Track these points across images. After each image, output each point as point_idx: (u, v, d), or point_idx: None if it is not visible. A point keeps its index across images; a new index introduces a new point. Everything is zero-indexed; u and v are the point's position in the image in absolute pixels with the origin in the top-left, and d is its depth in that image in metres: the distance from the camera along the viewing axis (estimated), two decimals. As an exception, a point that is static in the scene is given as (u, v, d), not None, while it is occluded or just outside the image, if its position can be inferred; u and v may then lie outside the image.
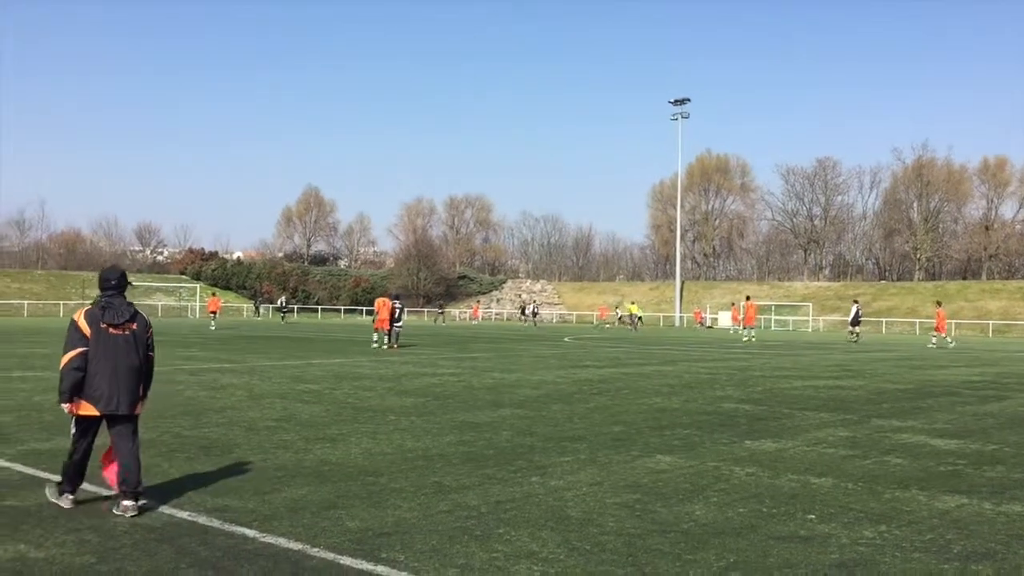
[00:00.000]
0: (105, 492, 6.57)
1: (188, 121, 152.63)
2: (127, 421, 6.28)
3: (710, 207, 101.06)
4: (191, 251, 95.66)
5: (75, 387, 6.09)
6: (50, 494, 6.40)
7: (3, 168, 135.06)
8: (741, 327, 42.12)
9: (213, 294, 56.05)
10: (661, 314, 70.21)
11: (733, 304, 46.41)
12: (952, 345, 39.10)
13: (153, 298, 78.56)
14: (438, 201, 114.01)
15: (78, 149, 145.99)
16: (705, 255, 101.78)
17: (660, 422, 11.23)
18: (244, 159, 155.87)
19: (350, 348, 27.89)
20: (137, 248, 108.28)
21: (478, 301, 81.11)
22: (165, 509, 6.21)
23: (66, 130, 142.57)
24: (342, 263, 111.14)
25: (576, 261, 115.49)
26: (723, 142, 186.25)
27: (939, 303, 43.02)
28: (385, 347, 27.65)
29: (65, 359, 6.10)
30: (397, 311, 28.43)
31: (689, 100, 78.57)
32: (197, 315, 71.35)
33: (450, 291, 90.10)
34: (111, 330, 6.21)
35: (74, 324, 6.20)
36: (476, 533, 5.70)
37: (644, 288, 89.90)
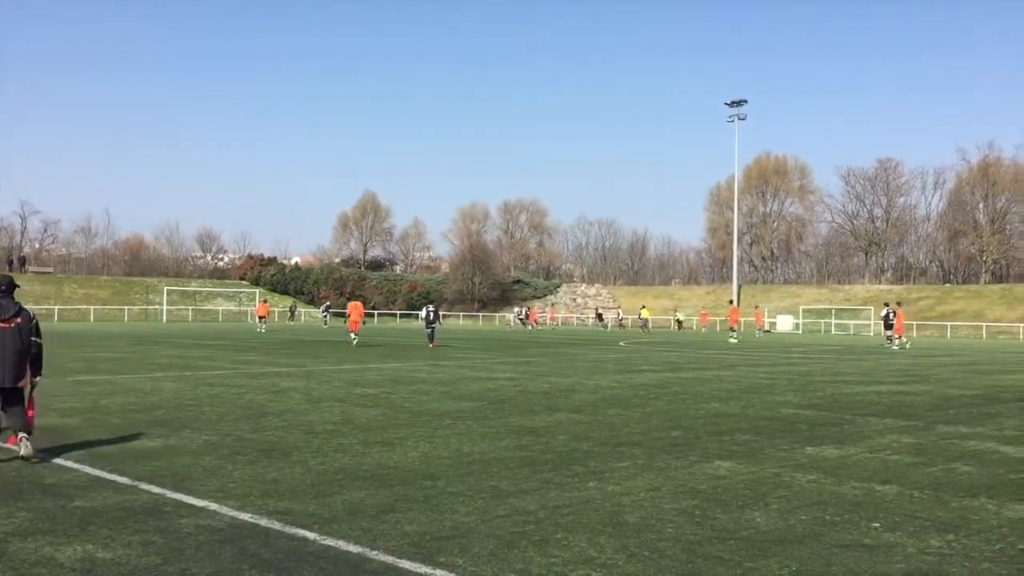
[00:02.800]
0: (120, 480, 6.70)
1: (248, 128, 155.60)
2: (12, 392, 8.08)
3: (768, 209, 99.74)
4: (250, 257, 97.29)
5: None
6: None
7: (71, 176, 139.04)
8: (731, 329, 44.02)
9: (264, 301, 59.60)
10: (718, 318, 69.49)
11: (731, 302, 47.44)
12: (906, 347, 38.65)
13: (214, 303, 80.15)
14: (492, 206, 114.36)
15: (142, 157, 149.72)
16: (763, 258, 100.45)
17: (719, 427, 11.10)
18: (302, 165, 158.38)
19: (406, 352, 28.11)
20: (198, 254, 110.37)
21: (530, 306, 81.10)
22: (228, 511, 6.31)
23: (130, 139, 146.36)
24: (398, 268, 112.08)
25: (631, 265, 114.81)
26: (781, 143, 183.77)
27: (899, 303, 44.32)
28: (431, 346, 29.50)
29: None
30: (432, 314, 33.34)
31: (746, 101, 77.74)
32: (256, 320, 72.51)
33: (504, 295, 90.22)
34: (1, 324, 7.98)
35: None
36: (534, 538, 5.69)
37: (700, 292, 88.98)
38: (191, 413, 11.83)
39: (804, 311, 72.82)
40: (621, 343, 39.07)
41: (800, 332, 67.79)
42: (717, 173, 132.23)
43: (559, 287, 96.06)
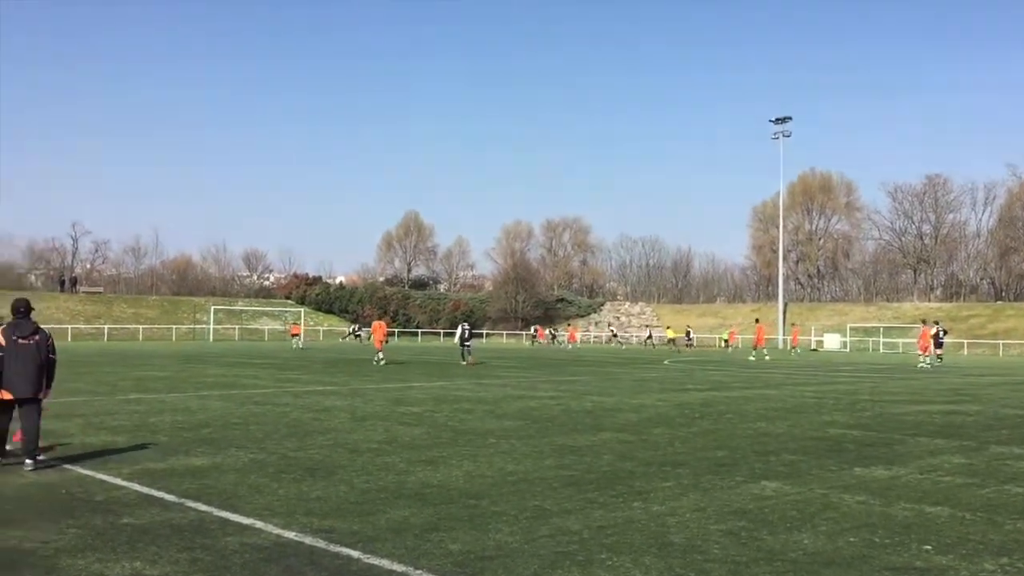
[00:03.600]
0: (168, 497, 6.78)
1: (293, 149, 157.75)
2: (32, 403, 8.90)
3: (814, 227, 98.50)
4: (296, 276, 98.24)
5: None
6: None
7: (121, 197, 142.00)
8: (753, 348, 44.57)
9: (296, 322, 62.19)
10: (748, 336, 68.61)
11: (758, 321, 47.62)
12: (930, 366, 36.07)
13: (259, 322, 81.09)
14: (536, 224, 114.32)
15: (189, 178, 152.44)
16: (809, 276, 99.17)
17: (765, 447, 10.96)
18: (346, 184, 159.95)
19: (449, 371, 28.18)
20: (244, 273, 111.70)
21: (569, 324, 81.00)
22: (273, 529, 6.37)
23: (178, 160, 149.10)
24: (441, 287, 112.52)
25: (675, 283, 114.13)
26: (826, 160, 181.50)
27: (923, 321, 44.04)
28: (463, 363, 32.17)
29: None
30: (467, 332, 34.14)
31: (791, 119, 77.05)
32: (302, 339, 73.28)
33: (548, 314, 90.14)
34: (20, 341, 8.87)
35: None
36: (578, 558, 5.65)
37: (745, 310, 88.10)
38: (237, 431, 11.96)
39: (851, 329, 71.72)
40: (665, 362, 38.79)
41: (847, 350, 66.72)
42: (761, 190, 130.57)
43: (603, 305, 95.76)
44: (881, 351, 65.90)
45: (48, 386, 9.23)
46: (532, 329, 78.45)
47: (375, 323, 35.35)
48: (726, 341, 68.84)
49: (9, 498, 7.39)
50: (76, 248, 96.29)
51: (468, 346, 33.82)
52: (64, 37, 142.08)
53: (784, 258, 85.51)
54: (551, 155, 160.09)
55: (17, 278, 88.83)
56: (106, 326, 68.72)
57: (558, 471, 8.98)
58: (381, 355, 33.23)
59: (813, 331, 72.66)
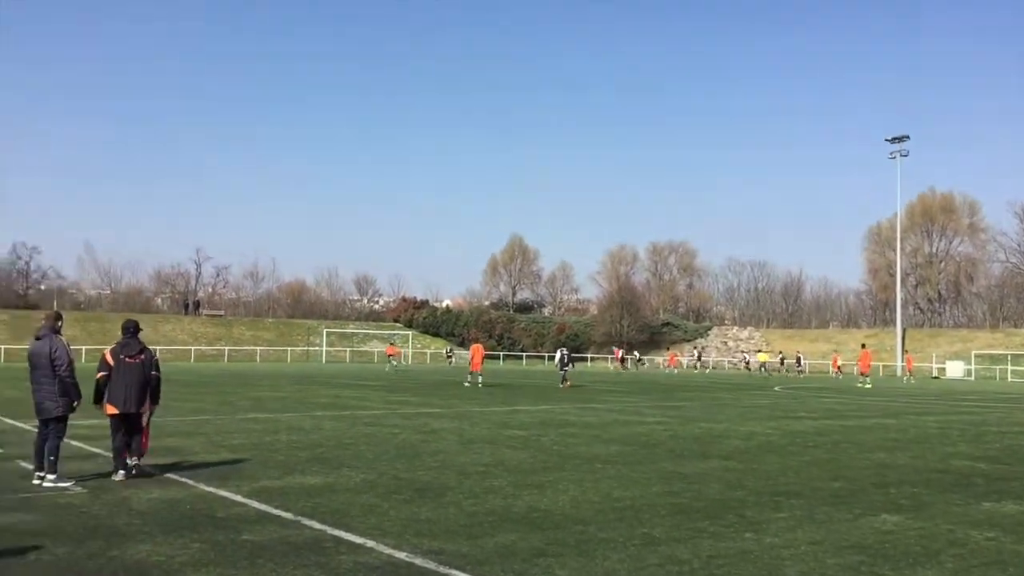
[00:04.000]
0: (284, 515, 6.94)
1: (400, 176, 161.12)
2: (136, 417, 9.57)
3: (934, 249, 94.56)
4: (404, 300, 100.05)
5: (100, 395, 9.52)
6: (115, 476, 9.39)
7: (240, 224, 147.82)
8: (857, 374, 44.13)
9: (392, 343, 65.04)
10: (881, 363, 66.15)
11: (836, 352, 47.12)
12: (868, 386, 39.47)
13: (369, 345, 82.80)
14: (641, 247, 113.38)
15: (303, 205, 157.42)
16: (929, 300, 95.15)
17: (884, 479, 10.54)
18: (453, 210, 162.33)
19: (554, 395, 28.15)
20: (355, 297, 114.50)
21: (667, 349, 79.78)
22: (384, 549, 6.48)
23: (292, 189, 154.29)
24: (546, 310, 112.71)
25: (785, 307, 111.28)
26: (947, 179, 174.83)
27: (863, 345, 46.27)
28: (560, 386, 29.94)
29: (97, 376, 9.57)
30: (566, 357, 35.37)
31: (908, 138, 74.41)
32: (410, 362, 74.63)
33: (654, 338, 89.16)
34: (127, 360, 9.53)
35: (103, 356, 9.72)
36: (688, 589, 5.54)
37: (860, 335, 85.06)
38: (349, 451, 12.24)
39: (976, 356, 68.35)
40: (776, 388, 37.80)
41: (972, 379, 63.63)
42: (877, 211, 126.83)
43: (710, 330, 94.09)
44: (1009, 379, 62.57)
45: (154, 401, 9.86)
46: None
47: (473, 346, 36.15)
48: (840, 368, 66.66)
49: (138, 513, 7.74)
50: (199, 273, 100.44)
51: (566, 370, 34.86)
52: (198, 75, 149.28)
53: (902, 282, 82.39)
54: (656, 179, 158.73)
55: (145, 301, 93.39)
56: (226, 347, 71.45)
57: (666, 498, 8.85)
58: (479, 377, 33.92)
59: (934, 358, 69.58)
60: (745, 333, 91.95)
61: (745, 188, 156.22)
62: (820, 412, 22.50)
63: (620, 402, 24.97)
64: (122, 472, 9.44)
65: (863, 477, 10.65)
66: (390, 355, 56.87)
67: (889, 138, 75.57)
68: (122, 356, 9.54)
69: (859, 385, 41.18)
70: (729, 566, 6.13)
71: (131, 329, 9.87)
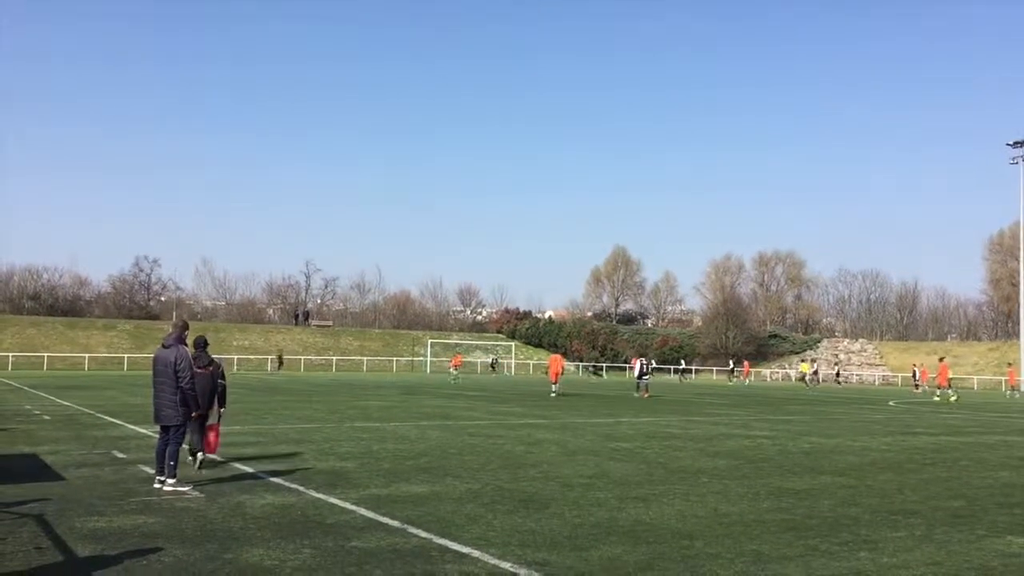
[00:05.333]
0: (391, 523, 7.01)
1: (504, 188, 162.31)
2: (203, 419, 10.79)
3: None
4: (507, 311, 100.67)
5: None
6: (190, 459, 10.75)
7: (348, 236, 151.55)
8: (937, 387, 41.65)
9: (459, 353, 65.15)
10: (1002, 377, 62.94)
11: (917, 364, 44.80)
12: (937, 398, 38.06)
13: (472, 355, 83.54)
14: (747, 258, 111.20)
15: (409, 217, 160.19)
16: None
17: (1009, 498, 10.02)
18: (556, 221, 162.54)
19: (658, 407, 27.82)
20: (459, 308, 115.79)
21: (744, 359, 77.49)
22: (489, 559, 6.51)
23: (398, 201, 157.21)
24: (649, 322, 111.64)
25: (900, 319, 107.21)
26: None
27: (941, 359, 43.77)
28: (637, 395, 35.19)
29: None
30: (645, 366, 37.10)
31: (1031, 141, 70.79)
32: (513, 372, 74.99)
33: (760, 350, 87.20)
34: (198, 370, 10.55)
35: None
36: (800, 608, 5.38)
37: (981, 348, 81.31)
38: (454, 461, 12.37)
39: (1107, 370, 64.27)
40: (891, 403, 36.45)
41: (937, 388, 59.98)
42: (997, 219, 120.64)
43: (819, 342, 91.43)
44: None
45: (221, 405, 11.52)
46: (803, 369, 66.43)
47: (552, 356, 37.38)
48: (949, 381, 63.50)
49: (251, 517, 8.00)
50: (309, 285, 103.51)
51: (646, 379, 36.46)
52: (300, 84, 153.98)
53: (1026, 292, 78.28)
54: (761, 188, 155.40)
55: (258, 312, 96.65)
56: (334, 357, 73.27)
57: (776, 514, 8.62)
58: (554, 387, 34.34)
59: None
60: (857, 345, 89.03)
61: (855, 195, 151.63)
62: (938, 428, 21.57)
63: (726, 414, 24.49)
64: (197, 456, 10.93)
65: (986, 496, 10.15)
66: (456, 366, 56.82)
67: (1011, 143, 72.15)
68: (196, 367, 10.57)
69: (936, 399, 39.54)
70: (843, 586, 5.93)
71: (201, 344, 11.30)
